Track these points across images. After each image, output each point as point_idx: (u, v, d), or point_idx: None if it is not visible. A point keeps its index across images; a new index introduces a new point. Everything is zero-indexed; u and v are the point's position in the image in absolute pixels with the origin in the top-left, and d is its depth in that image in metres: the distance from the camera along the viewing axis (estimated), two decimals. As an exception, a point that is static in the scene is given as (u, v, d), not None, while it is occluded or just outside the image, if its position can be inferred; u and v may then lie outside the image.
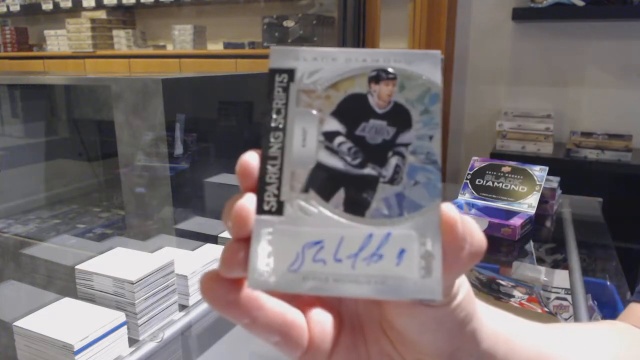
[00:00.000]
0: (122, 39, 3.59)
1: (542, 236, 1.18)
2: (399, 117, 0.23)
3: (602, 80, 2.31)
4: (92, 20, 3.59)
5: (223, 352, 0.76)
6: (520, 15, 2.29)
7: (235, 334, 0.79)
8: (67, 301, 0.70)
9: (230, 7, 3.36)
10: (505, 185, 1.24)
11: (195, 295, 0.81)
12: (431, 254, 0.21)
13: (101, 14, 3.65)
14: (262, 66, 2.93)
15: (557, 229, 1.21)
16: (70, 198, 1.38)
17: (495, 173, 1.27)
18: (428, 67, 0.23)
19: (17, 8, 4.04)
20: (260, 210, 0.22)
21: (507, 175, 1.25)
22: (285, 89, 0.23)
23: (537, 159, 2.17)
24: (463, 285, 0.24)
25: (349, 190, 0.22)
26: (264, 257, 0.21)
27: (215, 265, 0.79)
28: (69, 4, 3.72)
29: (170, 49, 3.52)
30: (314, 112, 0.23)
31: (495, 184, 1.25)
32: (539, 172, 1.23)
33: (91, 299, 0.72)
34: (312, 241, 0.22)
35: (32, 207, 1.31)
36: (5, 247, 1.11)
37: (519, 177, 1.24)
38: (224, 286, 0.22)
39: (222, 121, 1.09)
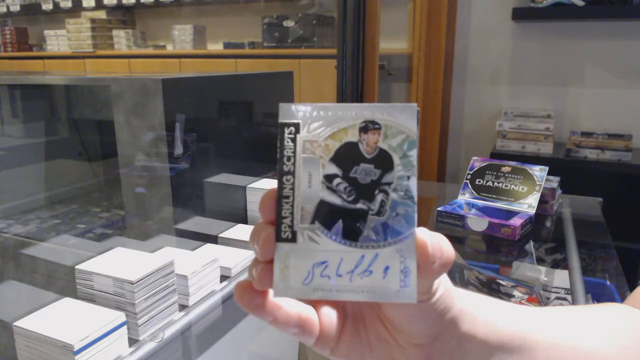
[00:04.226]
0: (122, 39, 3.59)
1: (542, 236, 1.18)
2: (383, 161, 0.28)
3: (602, 80, 2.31)
4: (92, 20, 3.59)
5: (223, 352, 0.76)
6: (520, 15, 2.29)
7: (235, 334, 0.79)
8: (67, 301, 0.70)
9: (230, 7, 3.36)
10: (505, 185, 1.24)
11: (195, 295, 0.81)
12: (409, 269, 0.27)
13: (101, 14, 3.65)
14: (262, 66, 2.93)
15: (557, 229, 1.21)
16: (70, 198, 1.38)
17: (495, 173, 1.27)
18: (406, 118, 0.28)
19: (17, 8, 4.04)
20: (279, 238, 0.28)
21: (507, 175, 1.25)
22: (293, 140, 0.28)
23: (537, 158, 2.17)
24: (442, 284, 0.30)
25: (346, 221, 0.28)
26: (284, 275, 0.27)
27: (216, 264, 0.78)
28: (69, 4, 3.72)
29: (170, 49, 3.52)
30: (317, 158, 0.28)
31: (495, 184, 1.25)
32: (539, 172, 1.23)
33: (91, 299, 0.72)
34: (319, 261, 0.27)
35: (32, 207, 1.31)
36: (5, 247, 1.11)
37: (519, 177, 1.24)
38: (252, 294, 0.28)
39: (222, 121, 1.09)
